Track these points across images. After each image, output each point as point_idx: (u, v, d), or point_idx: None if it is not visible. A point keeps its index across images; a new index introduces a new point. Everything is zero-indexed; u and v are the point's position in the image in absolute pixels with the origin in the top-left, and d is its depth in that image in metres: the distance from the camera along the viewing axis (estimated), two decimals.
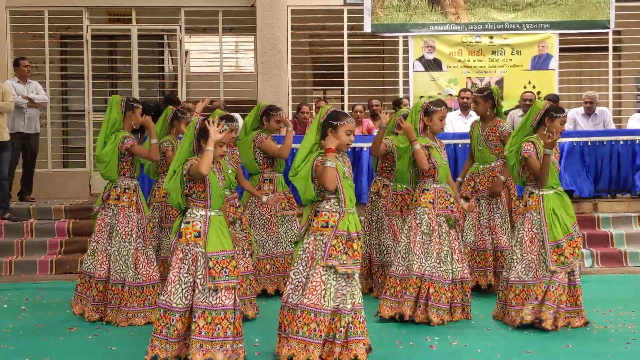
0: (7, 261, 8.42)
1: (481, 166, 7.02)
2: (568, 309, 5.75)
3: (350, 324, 4.77)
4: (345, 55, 11.43)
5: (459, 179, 7.16)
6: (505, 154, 6.02)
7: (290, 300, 4.82)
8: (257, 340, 5.39)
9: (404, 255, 5.97)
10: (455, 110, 10.20)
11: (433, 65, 11.33)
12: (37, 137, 9.84)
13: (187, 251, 4.81)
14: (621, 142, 9.17)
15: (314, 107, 10.47)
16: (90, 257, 6.13)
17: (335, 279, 4.74)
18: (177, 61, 11.74)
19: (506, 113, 10.08)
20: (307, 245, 4.84)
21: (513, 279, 5.78)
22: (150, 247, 6.16)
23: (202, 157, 4.73)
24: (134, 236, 6.06)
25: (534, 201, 5.77)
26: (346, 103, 11.42)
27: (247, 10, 11.32)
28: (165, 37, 12.47)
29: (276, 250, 6.98)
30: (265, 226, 6.95)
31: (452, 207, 5.99)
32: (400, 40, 11.37)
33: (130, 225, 6.07)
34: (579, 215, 8.75)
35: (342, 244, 4.77)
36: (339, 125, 4.82)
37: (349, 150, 8.93)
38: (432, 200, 5.96)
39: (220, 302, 4.73)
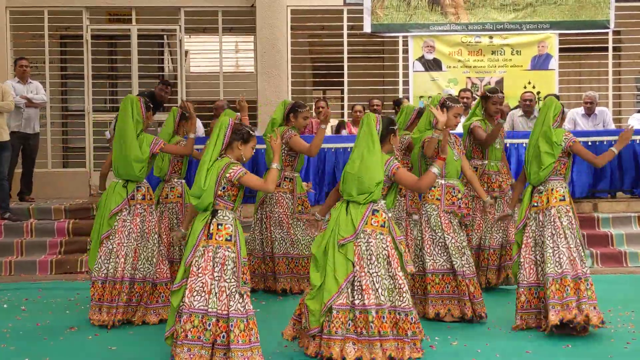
0: (7, 261, 8.41)
1: (500, 164, 7.21)
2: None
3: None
4: (345, 55, 11.43)
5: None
6: None
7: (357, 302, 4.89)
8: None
9: (417, 253, 6.09)
10: None
11: (433, 65, 11.33)
12: (36, 137, 9.83)
13: (215, 253, 4.79)
14: None
15: (313, 107, 10.46)
16: (110, 261, 6.02)
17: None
18: (177, 61, 11.74)
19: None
20: (364, 244, 4.96)
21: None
22: (163, 245, 6.34)
23: (270, 175, 4.94)
24: (156, 234, 6.21)
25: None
26: (346, 103, 11.42)
27: (246, 10, 11.32)
28: (165, 37, 12.48)
29: (292, 251, 7.04)
30: (280, 225, 7.00)
31: (459, 203, 6.05)
32: (400, 40, 11.37)
33: (153, 223, 6.20)
34: (579, 215, 8.76)
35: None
36: (396, 130, 5.18)
37: (348, 148, 8.99)
38: (438, 197, 6.04)
39: (249, 307, 4.77)
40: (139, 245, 6.09)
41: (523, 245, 5.77)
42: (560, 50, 11.33)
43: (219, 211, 4.83)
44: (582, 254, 5.68)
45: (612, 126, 9.96)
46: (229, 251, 4.78)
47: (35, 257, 8.54)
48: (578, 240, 5.69)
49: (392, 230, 5.06)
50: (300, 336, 5.19)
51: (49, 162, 10.99)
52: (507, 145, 8.75)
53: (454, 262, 5.92)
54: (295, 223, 7.01)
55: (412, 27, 11.25)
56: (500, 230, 7.04)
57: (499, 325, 5.87)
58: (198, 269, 4.76)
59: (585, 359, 5.09)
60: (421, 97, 11.02)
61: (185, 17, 11.32)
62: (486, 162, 7.08)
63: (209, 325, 4.70)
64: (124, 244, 6.03)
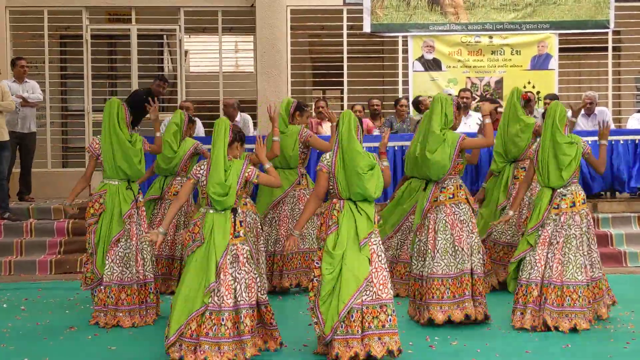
0: (7, 261, 8.41)
1: None
2: None
3: None
4: (345, 55, 11.42)
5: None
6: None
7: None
8: None
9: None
10: None
11: (432, 65, 11.32)
12: (32, 137, 9.77)
13: (242, 249, 5.06)
14: (621, 142, 9.17)
15: (313, 107, 10.46)
16: (125, 264, 6.05)
17: None
18: (176, 61, 11.73)
19: None
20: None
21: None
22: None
23: (273, 171, 5.29)
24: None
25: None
26: (345, 103, 11.41)
27: (246, 10, 11.32)
28: (164, 37, 12.47)
29: (302, 246, 7.12)
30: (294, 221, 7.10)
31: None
32: (400, 40, 11.36)
33: (146, 223, 6.37)
34: None
35: None
36: None
37: None
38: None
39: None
40: (146, 246, 6.15)
41: (539, 244, 5.76)
42: (560, 50, 11.33)
43: (238, 209, 5.08)
44: (596, 256, 5.93)
45: (612, 126, 9.96)
46: (248, 245, 5.10)
47: (35, 257, 8.53)
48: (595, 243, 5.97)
49: None
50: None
51: (48, 162, 10.99)
52: None
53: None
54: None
55: (412, 27, 11.24)
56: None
57: (499, 325, 5.87)
58: (230, 266, 4.98)
59: (585, 359, 5.09)
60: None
61: (185, 17, 11.31)
62: None
63: (242, 317, 4.91)
64: (132, 247, 6.10)
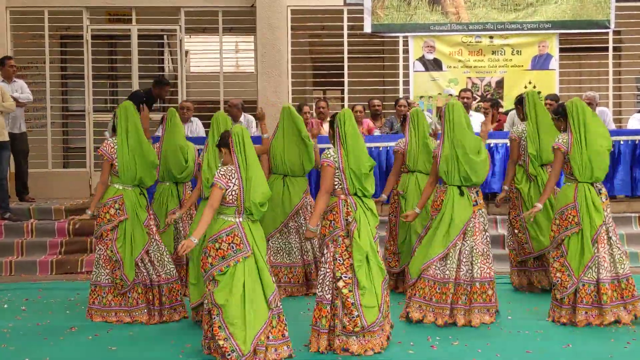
0: (8, 261, 8.42)
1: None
2: None
3: None
4: (345, 56, 11.42)
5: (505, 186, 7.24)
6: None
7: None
8: None
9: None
10: None
11: (433, 65, 11.32)
12: (23, 137, 9.70)
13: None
14: (621, 142, 9.17)
15: (314, 107, 10.46)
16: (146, 267, 6.17)
17: None
18: (177, 61, 11.73)
19: (506, 113, 10.09)
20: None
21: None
22: None
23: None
24: None
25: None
26: (346, 103, 11.41)
27: (247, 10, 11.32)
28: (165, 37, 12.46)
29: (288, 260, 7.24)
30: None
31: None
32: (400, 40, 11.36)
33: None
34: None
35: None
36: None
37: None
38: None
39: None
40: (158, 249, 6.30)
41: (600, 242, 5.88)
42: (561, 50, 11.33)
43: None
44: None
45: (612, 126, 9.95)
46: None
47: (36, 257, 8.54)
48: None
49: None
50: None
51: (49, 162, 10.98)
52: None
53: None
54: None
55: (413, 27, 11.24)
56: None
57: (500, 325, 5.87)
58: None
59: (585, 359, 5.08)
60: (421, 97, 11.01)
61: (186, 17, 11.32)
62: None
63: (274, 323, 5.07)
64: (155, 249, 6.24)
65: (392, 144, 8.24)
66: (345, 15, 11.35)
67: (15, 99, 9.28)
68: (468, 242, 5.90)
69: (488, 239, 6.05)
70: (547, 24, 11.21)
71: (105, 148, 6.15)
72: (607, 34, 11.32)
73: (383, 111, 10.43)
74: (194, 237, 4.91)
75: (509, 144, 7.11)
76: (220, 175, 4.91)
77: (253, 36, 11.67)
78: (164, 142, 7.03)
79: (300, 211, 7.22)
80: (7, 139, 8.98)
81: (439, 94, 11.20)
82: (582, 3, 11.13)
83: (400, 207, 7.11)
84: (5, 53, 10.53)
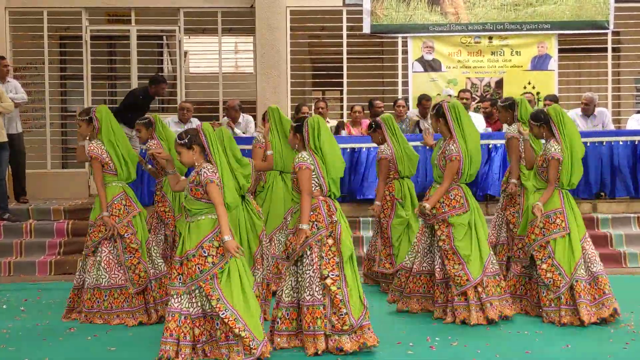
0: (6, 262, 8.41)
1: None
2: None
3: None
4: (345, 56, 11.42)
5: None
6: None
7: None
8: None
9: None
10: None
11: (432, 65, 11.32)
12: (20, 137, 9.65)
13: None
14: (620, 143, 9.18)
15: (313, 107, 10.46)
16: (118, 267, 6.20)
17: None
18: (176, 62, 11.72)
19: None
20: None
21: None
22: None
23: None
24: None
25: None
26: (345, 103, 11.41)
27: (246, 11, 11.31)
28: (164, 37, 12.45)
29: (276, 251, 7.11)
30: None
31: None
32: (400, 40, 11.36)
33: None
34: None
35: None
36: None
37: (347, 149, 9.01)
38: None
39: (170, 304, 4.98)
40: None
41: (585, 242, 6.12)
42: (560, 51, 11.34)
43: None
44: None
45: (611, 127, 9.96)
46: None
47: (35, 257, 8.53)
48: None
49: None
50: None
51: (48, 162, 10.97)
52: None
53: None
54: None
55: (412, 28, 11.24)
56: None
57: (499, 326, 5.87)
58: None
59: (584, 359, 5.09)
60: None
61: (185, 17, 11.31)
62: None
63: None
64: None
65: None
66: (345, 16, 11.35)
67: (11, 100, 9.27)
68: None
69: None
70: (546, 24, 11.22)
71: (96, 150, 6.13)
72: (606, 34, 11.33)
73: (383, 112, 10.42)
74: (229, 235, 4.88)
75: (508, 144, 7.05)
76: (212, 173, 4.93)
77: (252, 37, 11.67)
78: (167, 142, 7.12)
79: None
80: (5, 139, 8.97)
81: (438, 94, 11.18)
82: (581, 4, 11.14)
83: (395, 211, 7.15)
84: (4, 53, 10.53)
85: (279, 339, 5.21)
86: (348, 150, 9.00)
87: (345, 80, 11.45)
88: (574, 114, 9.78)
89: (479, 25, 11.23)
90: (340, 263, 5.21)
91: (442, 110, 6.16)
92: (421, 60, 11.32)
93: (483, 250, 6.09)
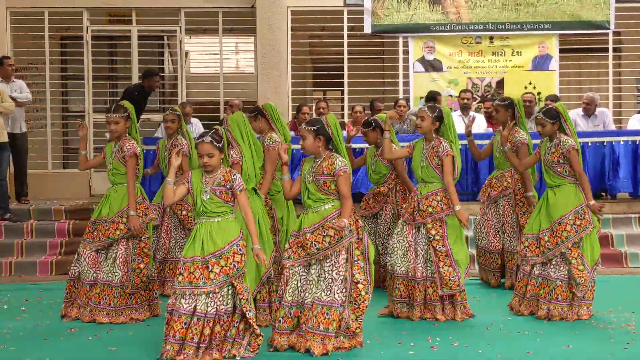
0: (7, 262, 8.42)
1: (496, 172, 7.32)
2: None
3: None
4: (345, 56, 11.43)
5: None
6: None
7: None
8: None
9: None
10: (455, 111, 10.19)
11: (433, 66, 11.32)
12: (24, 137, 9.66)
13: None
14: (621, 143, 9.18)
15: (314, 108, 10.46)
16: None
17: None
18: (177, 62, 11.74)
19: None
20: None
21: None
22: None
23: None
24: None
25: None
26: (346, 104, 11.42)
27: (247, 11, 11.32)
28: (165, 38, 12.47)
29: None
30: None
31: (406, 206, 6.20)
32: (400, 41, 11.37)
33: None
34: None
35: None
36: None
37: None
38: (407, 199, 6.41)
39: (179, 305, 4.91)
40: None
41: None
42: (561, 51, 11.34)
43: None
44: None
45: (612, 127, 9.97)
46: None
47: (36, 257, 8.54)
48: None
49: None
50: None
51: (49, 162, 10.98)
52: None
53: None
54: None
55: (413, 28, 11.24)
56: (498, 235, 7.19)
57: (500, 326, 5.87)
58: None
59: (585, 359, 5.09)
60: (421, 97, 11.00)
61: (186, 18, 11.32)
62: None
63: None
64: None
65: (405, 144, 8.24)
66: (345, 16, 11.36)
67: (13, 99, 9.23)
68: None
69: None
70: (547, 24, 11.22)
71: (137, 148, 6.15)
72: (607, 34, 11.32)
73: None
74: (259, 244, 5.10)
75: (519, 150, 6.99)
76: (241, 180, 5.10)
77: (253, 37, 11.67)
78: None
79: None
80: (6, 139, 8.97)
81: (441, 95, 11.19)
82: (582, 4, 11.14)
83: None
84: (5, 54, 10.54)
85: (279, 338, 5.16)
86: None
87: (346, 80, 11.46)
88: (575, 114, 9.79)
89: (480, 25, 11.23)
90: (365, 268, 5.21)
91: (441, 115, 6.11)
92: (422, 60, 11.32)
93: (467, 253, 6.14)
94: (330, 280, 5.07)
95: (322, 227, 5.11)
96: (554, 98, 9.98)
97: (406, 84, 11.36)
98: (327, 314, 5.03)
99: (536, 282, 6.09)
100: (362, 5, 11.18)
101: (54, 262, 8.45)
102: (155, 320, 6.14)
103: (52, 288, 7.54)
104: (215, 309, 4.91)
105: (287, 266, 5.18)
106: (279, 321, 5.17)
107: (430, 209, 6.02)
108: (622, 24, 11.47)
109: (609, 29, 11.19)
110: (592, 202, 6.08)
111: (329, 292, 5.05)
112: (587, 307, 6.04)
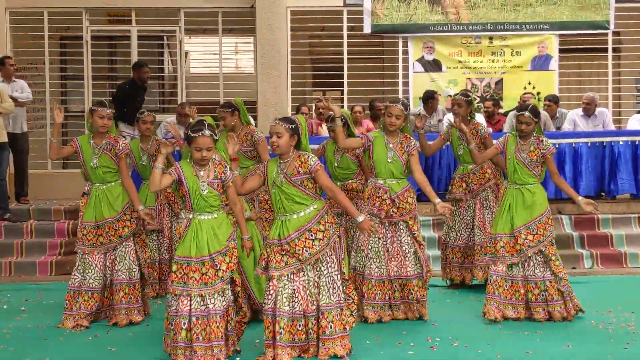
0: (7, 262, 8.41)
1: (469, 166, 7.12)
2: (515, 302, 6.03)
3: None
4: (345, 56, 11.43)
5: None
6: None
7: None
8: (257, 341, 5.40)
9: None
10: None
11: (433, 66, 11.32)
12: (25, 137, 9.65)
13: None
14: (621, 143, 9.18)
15: (313, 108, 10.46)
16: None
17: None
18: (176, 62, 11.74)
19: (506, 114, 10.10)
20: None
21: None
22: None
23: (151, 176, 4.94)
24: None
25: (501, 193, 6.40)
26: (346, 104, 11.42)
27: (246, 11, 11.32)
28: (165, 38, 12.47)
29: None
30: None
31: (379, 204, 6.00)
32: (400, 41, 11.37)
33: None
34: (579, 216, 8.78)
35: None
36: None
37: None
38: (368, 196, 6.07)
39: (176, 308, 4.84)
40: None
41: None
42: (560, 51, 11.34)
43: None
44: None
45: (611, 127, 9.96)
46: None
47: (35, 258, 8.54)
48: None
49: None
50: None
51: (48, 162, 10.98)
52: None
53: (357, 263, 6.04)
54: None
55: (412, 28, 11.24)
56: (467, 230, 7.16)
57: (500, 325, 5.88)
58: None
59: (585, 359, 5.09)
60: (421, 97, 10.99)
61: (185, 18, 11.32)
62: (459, 165, 7.31)
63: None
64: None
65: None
66: (345, 16, 11.36)
67: (14, 99, 9.22)
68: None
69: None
70: (547, 24, 11.22)
71: (125, 147, 6.20)
72: (606, 34, 11.33)
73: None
74: (248, 234, 5.14)
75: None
76: (230, 173, 5.13)
77: (253, 37, 11.68)
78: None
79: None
80: (5, 139, 8.97)
81: (439, 94, 11.20)
82: (581, 4, 11.15)
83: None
84: (5, 54, 10.53)
85: (282, 352, 4.88)
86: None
87: (345, 80, 11.46)
88: (575, 114, 9.79)
89: (479, 26, 11.24)
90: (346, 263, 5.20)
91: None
92: (422, 60, 11.32)
93: None
94: (332, 282, 5.01)
95: (308, 231, 4.96)
96: (553, 98, 10.00)
97: (406, 84, 11.37)
98: (339, 316, 5.00)
99: (520, 284, 6.01)
100: (361, 6, 11.18)
101: (53, 262, 8.44)
102: (155, 320, 6.13)
103: (52, 288, 7.54)
104: (226, 303, 4.92)
105: (275, 276, 4.94)
106: (280, 333, 4.88)
107: (408, 206, 6.03)
108: (621, 24, 11.48)
109: (608, 29, 11.19)
110: (580, 197, 6.12)
111: (334, 294, 5.00)
112: (575, 300, 6.06)
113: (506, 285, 5.99)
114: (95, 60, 11.38)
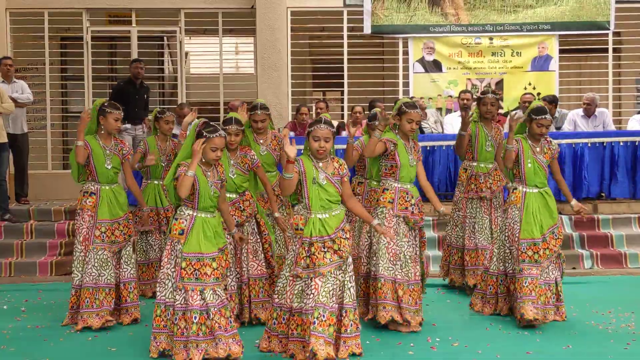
0: (7, 262, 8.42)
1: (489, 165, 7.02)
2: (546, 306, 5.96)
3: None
4: (345, 57, 11.43)
5: None
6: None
7: None
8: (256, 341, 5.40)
9: (367, 254, 5.90)
10: (455, 111, 10.20)
11: (433, 66, 11.33)
12: (25, 138, 9.64)
13: (173, 246, 4.97)
14: (621, 144, 9.18)
15: (313, 108, 10.46)
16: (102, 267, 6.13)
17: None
18: (177, 62, 11.74)
19: (506, 114, 10.09)
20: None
21: (491, 270, 6.16)
22: None
23: (181, 181, 4.81)
24: None
25: (515, 197, 6.01)
26: (346, 104, 11.43)
27: (246, 11, 11.33)
28: (165, 38, 12.48)
29: None
30: None
31: (412, 208, 5.82)
32: (400, 41, 11.38)
33: None
34: (579, 217, 8.77)
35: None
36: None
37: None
38: (391, 200, 5.83)
39: (187, 302, 4.85)
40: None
41: None
42: (561, 51, 11.34)
43: (179, 207, 5.09)
44: None
45: (612, 127, 9.96)
46: (179, 245, 5.04)
47: (35, 258, 8.54)
48: None
49: None
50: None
51: (48, 163, 10.99)
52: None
53: (380, 266, 5.69)
54: None
55: (412, 29, 11.25)
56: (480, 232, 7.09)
57: (500, 326, 5.88)
58: (165, 263, 5.10)
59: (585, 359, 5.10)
60: (421, 98, 11.00)
61: (186, 18, 11.33)
62: (475, 163, 7.02)
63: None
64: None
65: None
66: (345, 17, 11.36)
67: (13, 100, 9.21)
68: None
69: None
70: (547, 25, 11.23)
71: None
72: (607, 35, 11.33)
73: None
74: (235, 229, 5.57)
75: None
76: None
77: (253, 37, 11.69)
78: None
79: None
80: (5, 140, 8.97)
81: (439, 95, 11.21)
82: (581, 4, 11.15)
83: None
84: (5, 54, 10.54)
85: (314, 340, 4.79)
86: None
87: (345, 80, 11.46)
88: (575, 114, 9.79)
89: (479, 27, 11.24)
90: None
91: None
92: (422, 61, 11.32)
93: None
94: (353, 281, 5.09)
95: (342, 230, 5.04)
96: (553, 99, 9.99)
97: (406, 84, 11.37)
98: (356, 315, 5.05)
99: (544, 287, 5.95)
100: (361, 6, 11.19)
101: (53, 262, 8.44)
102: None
103: (51, 289, 7.54)
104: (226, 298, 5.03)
105: (324, 273, 4.89)
106: (313, 323, 4.80)
107: (423, 211, 6.01)
108: (622, 24, 11.48)
109: (609, 29, 11.20)
110: (574, 201, 6.17)
111: (354, 293, 5.08)
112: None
113: (538, 289, 5.89)
114: (95, 60, 11.38)
